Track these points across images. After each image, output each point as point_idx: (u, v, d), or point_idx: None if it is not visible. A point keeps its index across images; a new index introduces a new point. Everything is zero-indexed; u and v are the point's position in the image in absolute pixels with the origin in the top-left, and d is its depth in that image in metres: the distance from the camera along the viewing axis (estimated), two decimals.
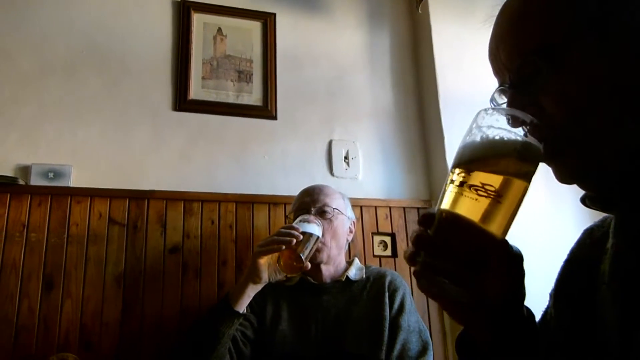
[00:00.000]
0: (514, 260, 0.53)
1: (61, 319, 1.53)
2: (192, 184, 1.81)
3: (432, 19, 2.14)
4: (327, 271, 1.54)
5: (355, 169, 2.02)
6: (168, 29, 1.98)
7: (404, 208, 1.98)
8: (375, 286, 1.51)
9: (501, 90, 0.56)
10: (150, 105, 1.87)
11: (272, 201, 1.84)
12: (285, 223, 1.70)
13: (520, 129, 0.50)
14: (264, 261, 1.33)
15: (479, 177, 0.49)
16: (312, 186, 1.62)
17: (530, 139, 0.50)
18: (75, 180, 1.70)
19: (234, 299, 1.34)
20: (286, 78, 2.05)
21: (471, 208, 0.49)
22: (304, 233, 1.32)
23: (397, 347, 1.38)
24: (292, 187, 1.80)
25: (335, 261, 1.55)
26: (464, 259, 0.50)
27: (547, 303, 0.67)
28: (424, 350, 1.40)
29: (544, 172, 0.57)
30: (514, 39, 0.54)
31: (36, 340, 1.49)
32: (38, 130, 1.72)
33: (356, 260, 1.61)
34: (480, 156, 0.51)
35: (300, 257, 1.28)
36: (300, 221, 1.39)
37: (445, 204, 0.51)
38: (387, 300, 1.46)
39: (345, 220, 1.58)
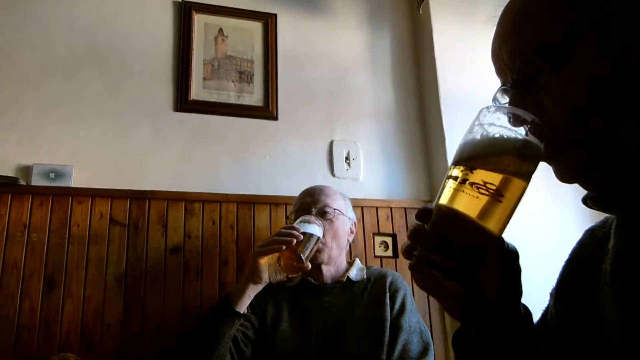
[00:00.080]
0: (510, 257, 0.53)
1: (62, 319, 1.53)
2: (193, 185, 1.81)
3: (432, 19, 2.14)
4: (328, 272, 1.54)
5: (356, 169, 2.02)
6: (169, 30, 1.98)
7: (405, 208, 1.98)
8: (376, 287, 1.51)
9: (503, 89, 0.57)
10: (151, 105, 1.87)
11: (273, 202, 1.84)
12: (286, 223, 1.70)
13: (521, 128, 0.50)
14: (264, 261, 1.33)
15: (481, 175, 0.50)
16: (313, 187, 1.62)
17: (531, 138, 0.50)
18: (77, 180, 1.70)
19: (235, 299, 1.34)
20: (287, 78, 2.05)
21: (470, 205, 0.49)
22: (304, 233, 1.32)
23: (398, 347, 1.38)
24: (293, 188, 1.80)
25: (336, 262, 1.55)
26: (460, 255, 0.50)
27: (547, 302, 0.67)
28: (425, 350, 1.40)
29: (544, 172, 0.57)
30: (516, 38, 0.54)
31: (37, 341, 1.49)
32: (39, 130, 1.73)
33: (357, 261, 1.61)
34: (480, 153, 0.51)
35: (301, 257, 1.28)
36: (301, 222, 1.39)
37: (444, 200, 0.51)
38: (388, 300, 1.46)
39: (346, 220, 1.58)
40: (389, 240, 1.92)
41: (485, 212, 0.49)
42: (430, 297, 1.85)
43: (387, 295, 1.47)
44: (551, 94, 0.51)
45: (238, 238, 1.76)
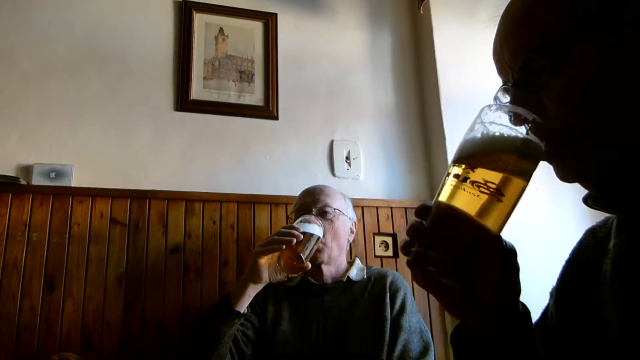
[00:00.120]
0: (508, 255, 0.53)
1: (62, 319, 1.53)
2: (193, 184, 1.81)
3: (433, 19, 2.14)
4: (328, 271, 1.54)
5: (356, 169, 2.02)
6: (170, 29, 1.98)
7: (406, 208, 1.98)
8: (376, 287, 1.51)
9: (504, 89, 0.57)
10: (151, 105, 1.87)
11: (274, 201, 1.84)
12: (287, 223, 1.70)
13: (522, 127, 0.51)
14: (264, 261, 1.32)
15: (481, 174, 0.50)
16: (314, 186, 1.61)
17: (531, 137, 0.50)
18: (77, 180, 1.70)
19: (235, 298, 1.34)
20: (288, 78, 2.05)
21: (470, 202, 0.50)
22: (304, 233, 1.32)
23: (398, 347, 1.38)
24: (293, 188, 1.80)
25: (337, 262, 1.55)
26: (458, 251, 0.50)
27: (547, 302, 0.67)
28: (425, 350, 1.40)
29: (544, 172, 0.57)
30: (518, 38, 0.55)
31: (38, 340, 1.49)
32: (40, 130, 1.73)
33: (357, 261, 1.61)
34: (481, 151, 0.51)
35: (301, 257, 1.28)
36: (301, 221, 1.38)
37: (443, 197, 0.52)
38: (388, 300, 1.46)
39: (346, 220, 1.58)
40: (389, 240, 1.92)
41: (484, 210, 0.50)
42: (431, 297, 1.85)
43: (388, 295, 1.47)
44: (552, 93, 0.51)
45: (238, 238, 1.76)
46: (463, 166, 0.51)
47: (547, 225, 1.91)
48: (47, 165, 1.67)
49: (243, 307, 1.34)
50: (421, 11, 2.16)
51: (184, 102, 1.89)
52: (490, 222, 0.50)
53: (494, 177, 0.49)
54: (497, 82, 0.59)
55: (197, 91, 1.93)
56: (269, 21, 2.09)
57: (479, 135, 0.52)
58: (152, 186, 1.75)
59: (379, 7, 2.30)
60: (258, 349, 1.42)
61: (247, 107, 1.97)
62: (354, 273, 1.54)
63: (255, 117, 1.97)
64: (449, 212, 0.50)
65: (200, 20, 2.01)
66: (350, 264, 1.59)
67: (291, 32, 2.12)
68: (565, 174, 0.55)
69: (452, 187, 0.51)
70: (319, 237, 1.37)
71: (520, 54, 0.53)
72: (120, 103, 1.84)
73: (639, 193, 0.49)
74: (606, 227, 0.60)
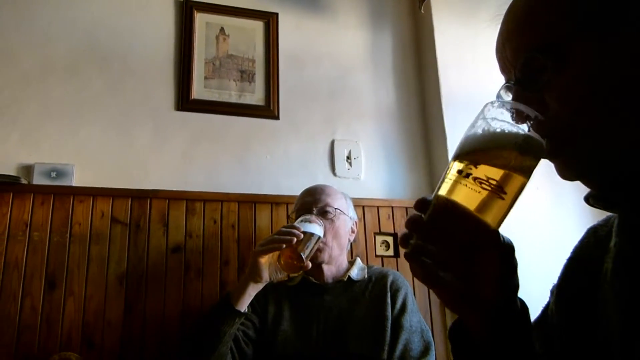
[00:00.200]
0: (506, 250, 0.53)
1: (64, 318, 1.53)
2: (194, 184, 1.81)
3: (434, 18, 2.14)
4: (329, 271, 1.54)
5: (357, 168, 2.02)
6: (170, 29, 1.98)
7: (406, 208, 1.97)
8: (377, 286, 1.50)
9: (507, 87, 0.57)
10: (152, 104, 1.87)
11: (275, 201, 1.84)
12: (287, 223, 1.70)
13: (524, 125, 0.51)
14: (264, 260, 1.32)
15: (484, 170, 0.50)
16: (314, 186, 1.61)
17: (533, 134, 0.50)
18: (78, 179, 1.70)
19: (235, 298, 1.34)
20: (288, 78, 2.05)
21: (470, 198, 0.50)
22: (305, 232, 1.32)
23: (399, 347, 1.38)
24: (294, 187, 1.80)
25: (337, 261, 1.55)
26: (456, 246, 0.50)
27: (547, 299, 0.67)
28: (426, 350, 1.40)
29: (545, 171, 0.57)
30: (520, 37, 0.55)
31: (39, 339, 1.49)
32: (40, 129, 1.73)
33: (358, 260, 1.61)
34: (482, 147, 0.51)
35: (301, 256, 1.28)
36: (301, 221, 1.38)
37: (443, 191, 0.52)
38: (389, 300, 1.46)
39: (347, 220, 1.58)
40: (390, 239, 1.92)
41: (484, 205, 0.50)
42: (432, 297, 1.85)
43: (388, 294, 1.47)
44: (554, 91, 0.52)
45: (239, 237, 1.76)
46: (465, 162, 0.51)
47: (547, 224, 1.91)
48: (48, 165, 1.68)
49: (244, 306, 1.34)
50: (422, 11, 2.16)
51: (184, 101, 1.89)
52: (489, 218, 0.50)
53: (496, 173, 0.50)
54: (498, 81, 0.59)
55: (198, 91, 1.93)
56: (270, 21, 2.09)
57: (480, 131, 0.52)
58: (153, 186, 1.75)
59: (380, 7, 2.30)
60: (259, 349, 1.42)
61: (248, 106, 1.97)
62: (354, 273, 1.54)
63: (256, 117, 1.97)
64: (448, 206, 0.51)
65: (201, 19, 2.01)
66: (351, 263, 1.59)
67: (292, 31, 2.12)
68: (566, 172, 0.55)
69: (452, 182, 0.51)
70: (319, 237, 1.37)
71: (522, 53, 0.54)
72: (121, 103, 1.84)
73: (639, 192, 0.49)
74: (607, 226, 0.60)
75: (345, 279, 1.52)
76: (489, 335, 0.55)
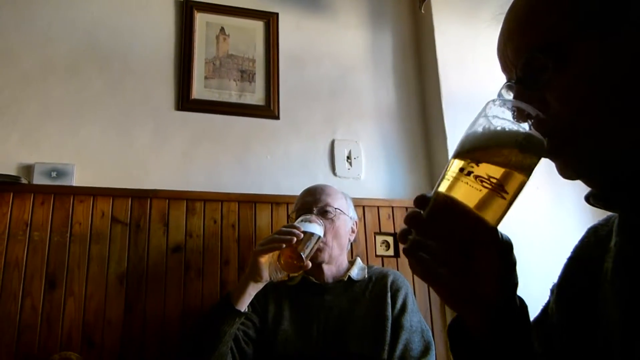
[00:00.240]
0: (504, 247, 0.54)
1: (64, 318, 1.53)
2: (194, 184, 1.81)
3: (434, 18, 2.14)
4: (329, 271, 1.54)
5: (357, 168, 2.02)
6: (171, 29, 1.98)
7: (407, 208, 1.97)
8: (377, 286, 1.50)
9: (508, 86, 0.57)
10: (152, 104, 1.87)
11: (275, 201, 1.84)
12: (288, 223, 1.70)
13: (525, 124, 0.51)
14: (264, 260, 1.33)
15: (485, 168, 0.50)
16: (315, 186, 1.61)
17: (533, 132, 0.51)
18: (78, 179, 1.70)
19: (235, 297, 1.34)
20: (289, 77, 2.05)
21: (470, 195, 0.50)
22: (305, 232, 1.32)
23: (400, 347, 1.38)
24: (294, 187, 1.80)
25: (337, 261, 1.55)
26: (455, 242, 0.51)
27: (547, 298, 0.67)
28: (426, 350, 1.40)
29: (544, 170, 0.57)
30: (521, 36, 0.55)
31: (39, 339, 1.49)
32: (40, 129, 1.73)
33: (358, 260, 1.61)
34: (483, 145, 0.52)
35: (301, 255, 1.28)
36: (302, 221, 1.38)
37: (443, 188, 0.52)
38: (389, 300, 1.46)
39: (347, 220, 1.58)
40: (390, 239, 1.92)
41: (484, 203, 0.50)
42: (432, 297, 1.85)
43: (389, 294, 1.47)
44: (555, 91, 0.52)
45: (239, 237, 1.76)
46: (467, 160, 0.51)
47: (547, 224, 1.91)
48: (48, 165, 1.68)
49: (244, 306, 1.34)
50: (422, 11, 2.16)
51: (185, 101, 1.89)
52: (489, 216, 0.50)
53: (497, 171, 0.50)
54: (499, 81, 0.59)
55: (198, 91, 1.93)
56: (270, 21, 2.09)
57: (482, 129, 0.52)
58: (153, 185, 1.75)
59: (380, 6, 2.30)
60: (259, 349, 1.42)
61: (248, 106, 1.97)
62: (355, 272, 1.54)
63: (257, 117, 1.97)
64: (448, 203, 0.51)
65: (201, 19, 2.01)
66: (352, 263, 1.59)
67: (292, 31, 2.12)
68: (567, 172, 0.55)
69: (453, 179, 0.51)
70: (319, 237, 1.37)
71: (524, 52, 0.54)
72: (121, 102, 1.84)
73: None
74: (608, 225, 0.60)
75: (346, 279, 1.52)
76: (487, 333, 0.55)
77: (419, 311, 1.51)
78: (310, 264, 1.32)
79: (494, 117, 0.52)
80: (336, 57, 2.15)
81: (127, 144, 1.80)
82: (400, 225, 1.93)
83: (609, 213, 0.60)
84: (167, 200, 1.73)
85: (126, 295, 1.60)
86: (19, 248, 1.55)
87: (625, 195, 0.51)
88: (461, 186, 0.50)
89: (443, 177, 0.53)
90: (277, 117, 1.99)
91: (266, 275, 1.33)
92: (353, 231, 1.62)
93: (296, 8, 2.15)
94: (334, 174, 1.99)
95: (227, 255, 1.73)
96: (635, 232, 0.51)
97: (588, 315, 0.56)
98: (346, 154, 2.03)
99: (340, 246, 1.54)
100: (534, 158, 0.51)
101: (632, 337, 0.47)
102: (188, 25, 1.98)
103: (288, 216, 1.80)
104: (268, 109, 1.99)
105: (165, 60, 1.94)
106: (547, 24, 0.52)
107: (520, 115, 0.51)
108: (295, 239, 1.28)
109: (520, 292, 0.58)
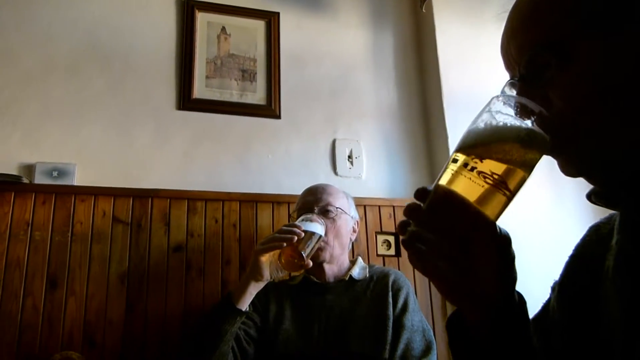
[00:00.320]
0: (502, 241, 0.54)
1: (65, 317, 1.53)
2: (195, 183, 1.81)
3: (435, 18, 2.14)
4: (331, 270, 1.54)
5: (358, 168, 2.02)
6: (172, 28, 1.98)
7: None
8: (378, 285, 1.50)
9: (511, 83, 0.57)
10: (154, 104, 1.87)
11: (276, 200, 1.84)
12: (289, 222, 1.70)
13: (529, 121, 0.51)
14: (265, 259, 1.33)
15: (487, 164, 0.50)
16: (316, 185, 1.61)
17: (536, 128, 0.51)
18: (80, 178, 1.70)
19: (237, 296, 1.34)
20: (290, 77, 2.05)
21: (471, 190, 0.50)
22: (306, 231, 1.32)
23: (401, 346, 1.37)
24: (295, 186, 1.79)
25: (339, 260, 1.55)
26: (454, 236, 0.51)
27: (548, 296, 0.67)
28: (427, 349, 1.40)
29: (545, 169, 0.57)
30: (524, 33, 0.55)
31: (40, 339, 1.49)
32: (42, 128, 1.73)
33: (359, 260, 1.61)
34: (485, 140, 0.52)
35: (302, 254, 1.28)
36: (303, 220, 1.38)
37: (443, 181, 0.52)
38: (390, 299, 1.46)
39: (348, 219, 1.57)
40: (391, 239, 1.92)
41: (484, 198, 0.50)
42: (433, 296, 1.85)
43: (390, 293, 1.47)
44: (557, 89, 0.52)
45: (240, 237, 1.76)
46: (469, 155, 0.51)
47: (547, 223, 1.91)
48: (49, 164, 1.68)
49: (245, 305, 1.34)
50: (423, 10, 2.16)
51: (186, 101, 1.90)
52: (488, 211, 0.50)
53: (499, 167, 0.50)
54: (500, 81, 0.59)
55: (199, 90, 1.93)
56: (271, 20, 2.09)
57: (485, 124, 0.52)
58: (155, 185, 1.75)
59: (381, 6, 2.29)
60: (260, 348, 1.42)
61: (249, 106, 1.97)
62: (356, 272, 1.54)
63: (258, 116, 1.97)
64: (448, 196, 0.51)
65: (202, 19, 2.01)
66: (353, 262, 1.59)
67: (293, 31, 2.12)
68: (569, 169, 0.55)
69: (454, 173, 0.52)
70: (320, 236, 1.37)
71: (527, 50, 0.54)
72: (122, 102, 1.84)
73: None
74: (610, 224, 0.60)
75: (347, 278, 1.51)
76: (486, 327, 0.55)
77: (420, 311, 1.51)
78: (311, 263, 1.32)
79: (498, 112, 0.52)
80: (337, 56, 2.15)
81: (128, 143, 1.80)
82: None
83: (610, 211, 0.60)
84: (169, 200, 1.73)
85: (127, 295, 1.60)
86: (20, 248, 1.55)
87: (627, 194, 0.51)
88: (462, 180, 0.50)
89: (444, 171, 0.53)
90: (278, 117, 1.99)
91: (267, 274, 1.33)
92: (354, 231, 1.62)
93: (297, 7, 2.15)
94: (335, 173, 1.99)
95: (228, 255, 1.73)
96: (636, 230, 0.51)
97: (589, 313, 0.56)
98: (347, 154, 2.03)
99: (341, 246, 1.54)
100: (536, 154, 0.51)
101: (633, 335, 0.47)
102: (189, 25, 1.98)
103: (289, 215, 1.80)
104: (269, 109, 1.98)
105: (166, 59, 1.94)
106: (550, 22, 0.53)
107: (523, 111, 0.51)
108: (296, 238, 1.28)
109: (521, 291, 0.58)
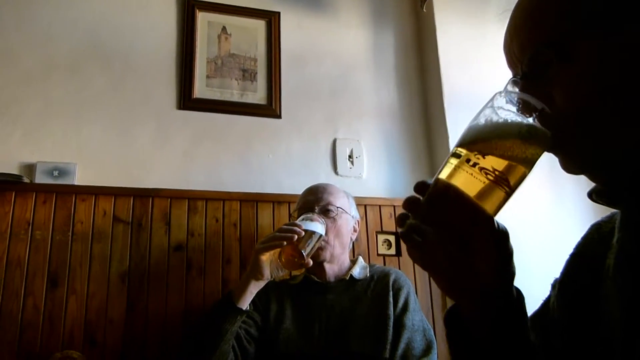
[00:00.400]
0: (500, 236, 0.54)
1: (66, 316, 1.53)
2: (196, 183, 1.81)
3: (436, 17, 2.14)
4: (331, 270, 1.54)
5: (359, 167, 2.02)
6: (172, 28, 1.98)
7: None
8: (379, 285, 1.50)
9: (514, 81, 0.58)
10: (154, 103, 1.87)
11: (276, 200, 1.84)
12: (289, 221, 1.71)
13: (530, 118, 0.51)
14: (265, 258, 1.33)
15: (489, 160, 0.50)
16: (316, 185, 1.61)
17: (537, 124, 0.51)
18: (80, 178, 1.70)
19: (237, 295, 1.34)
20: (290, 77, 2.05)
21: (471, 184, 0.50)
22: (306, 230, 1.32)
23: (401, 345, 1.37)
24: (296, 186, 1.80)
25: (339, 260, 1.55)
26: (452, 228, 0.51)
27: (548, 293, 0.67)
28: (428, 349, 1.40)
29: (546, 168, 0.57)
30: (526, 32, 0.55)
31: (41, 338, 1.50)
32: (43, 128, 1.73)
33: (360, 259, 1.61)
34: (487, 136, 0.52)
35: (302, 253, 1.28)
36: (303, 219, 1.38)
37: (443, 175, 0.52)
38: (391, 298, 1.46)
39: (349, 219, 1.58)
40: (392, 238, 1.92)
41: (484, 194, 0.50)
42: (433, 295, 1.85)
43: (390, 293, 1.47)
44: (559, 87, 0.52)
45: (241, 236, 1.76)
46: (470, 150, 0.52)
47: (548, 222, 1.91)
48: (50, 164, 1.68)
49: (245, 304, 1.34)
50: (424, 10, 2.16)
51: (186, 100, 1.90)
52: (488, 206, 0.51)
53: (500, 163, 0.50)
54: (500, 81, 0.60)
55: (200, 90, 1.93)
56: (271, 20, 2.09)
57: (487, 120, 0.53)
58: (155, 184, 1.75)
59: (382, 5, 2.29)
60: (261, 347, 1.42)
61: (249, 105, 1.97)
62: (356, 271, 1.54)
63: (258, 116, 1.97)
64: (447, 190, 0.51)
65: (203, 18, 2.01)
66: (353, 262, 1.59)
67: (294, 30, 2.12)
68: (570, 167, 0.55)
69: (454, 167, 0.52)
70: (321, 235, 1.37)
71: (529, 48, 0.54)
72: (122, 101, 1.84)
73: None
74: (611, 222, 0.60)
75: (348, 278, 1.51)
76: (484, 321, 0.56)
77: (421, 310, 1.51)
78: (311, 262, 1.32)
79: (500, 108, 0.52)
80: (338, 56, 2.15)
81: (129, 143, 1.80)
82: None
83: (611, 210, 0.60)
84: (169, 199, 1.73)
85: (128, 294, 1.60)
86: (21, 247, 1.55)
87: (628, 192, 0.51)
88: (463, 175, 0.51)
89: (445, 165, 0.53)
90: (278, 116, 1.99)
91: (267, 273, 1.33)
92: (355, 230, 1.62)
93: (298, 7, 2.15)
94: (336, 173, 1.99)
95: (228, 254, 1.73)
96: (637, 229, 0.51)
97: (590, 311, 0.56)
98: (348, 153, 2.03)
99: (342, 245, 1.54)
100: (538, 150, 0.51)
101: (634, 334, 0.47)
102: (190, 25, 1.98)
103: (290, 215, 1.80)
104: (270, 108, 1.99)
105: (167, 59, 1.94)
106: (551, 21, 0.53)
107: (525, 108, 0.51)
108: (296, 237, 1.28)
109: (521, 290, 0.58)
